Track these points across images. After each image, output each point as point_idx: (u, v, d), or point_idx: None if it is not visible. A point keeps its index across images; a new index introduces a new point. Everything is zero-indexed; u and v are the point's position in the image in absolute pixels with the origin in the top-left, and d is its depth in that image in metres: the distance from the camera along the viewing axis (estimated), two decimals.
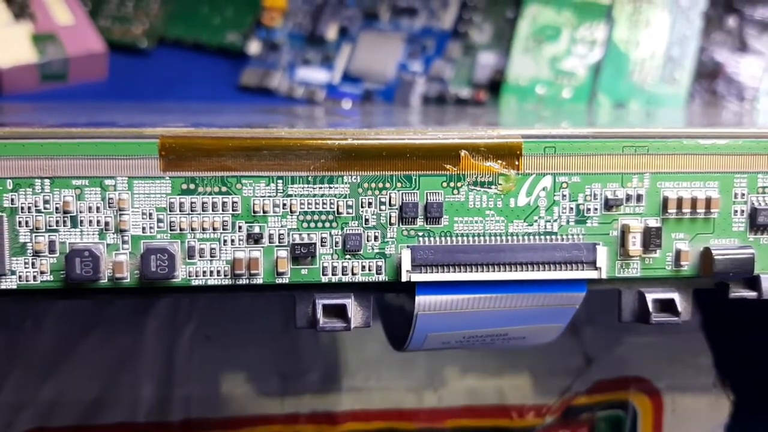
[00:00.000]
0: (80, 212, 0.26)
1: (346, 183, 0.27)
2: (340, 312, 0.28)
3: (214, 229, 0.27)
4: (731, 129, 0.29)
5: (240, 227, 0.27)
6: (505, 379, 0.43)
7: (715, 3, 0.53)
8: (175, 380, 0.42)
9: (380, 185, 0.27)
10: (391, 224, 0.27)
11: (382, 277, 0.27)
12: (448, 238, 0.27)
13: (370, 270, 0.27)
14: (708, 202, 0.28)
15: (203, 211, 0.27)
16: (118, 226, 0.26)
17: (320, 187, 0.27)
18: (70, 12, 0.51)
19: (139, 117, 0.37)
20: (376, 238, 0.27)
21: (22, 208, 0.26)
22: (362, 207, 0.27)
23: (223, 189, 0.26)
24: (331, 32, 0.54)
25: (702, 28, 0.52)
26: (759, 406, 0.45)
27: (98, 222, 0.26)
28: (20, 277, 0.26)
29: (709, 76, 0.52)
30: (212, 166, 0.26)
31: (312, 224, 0.27)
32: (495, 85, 0.53)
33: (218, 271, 0.27)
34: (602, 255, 0.27)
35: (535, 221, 0.27)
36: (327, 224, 0.27)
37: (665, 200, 0.28)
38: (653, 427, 0.44)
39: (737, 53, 0.52)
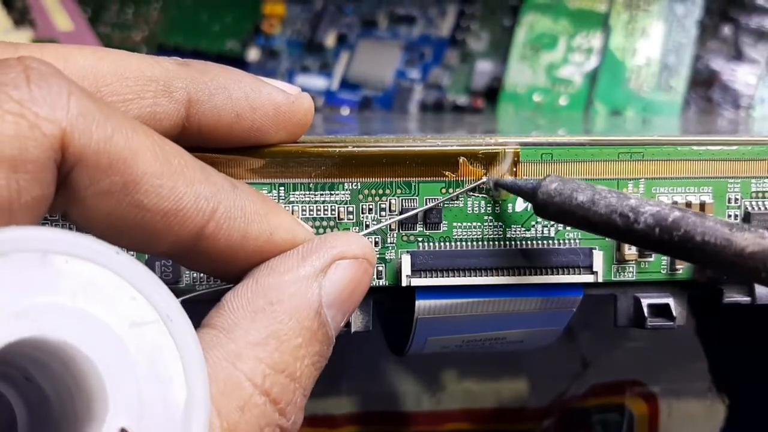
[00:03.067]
0: None
1: (346, 189, 0.27)
2: None
3: None
4: (725, 136, 0.29)
5: None
6: (502, 383, 0.44)
7: (711, 11, 0.53)
8: None
9: (380, 191, 0.27)
10: (391, 230, 0.27)
11: (383, 282, 0.28)
12: (448, 243, 0.28)
13: None
14: (702, 206, 0.28)
15: None
16: None
17: (321, 194, 0.27)
18: (70, 19, 0.52)
19: None
20: (376, 243, 0.27)
21: None
22: (363, 213, 0.27)
23: None
24: (330, 40, 0.54)
25: (697, 36, 0.53)
26: (754, 410, 0.45)
27: None
28: None
29: (704, 84, 0.53)
30: None
31: (314, 230, 0.27)
32: (492, 93, 0.53)
33: None
34: (598, 259, 0.28)
35: (533, 226, 0.28)
36: (328, 230, 0.27)
37: None
38: (649, 430, 0.44)
39: (732, 61, 0.53)
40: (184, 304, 0.20)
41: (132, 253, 0.27)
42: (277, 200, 0.27)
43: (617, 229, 0.24)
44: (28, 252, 0.18)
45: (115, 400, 0.19)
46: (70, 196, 0.20)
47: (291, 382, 0.22)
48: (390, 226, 0.27)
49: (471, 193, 0.27)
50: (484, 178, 0.27)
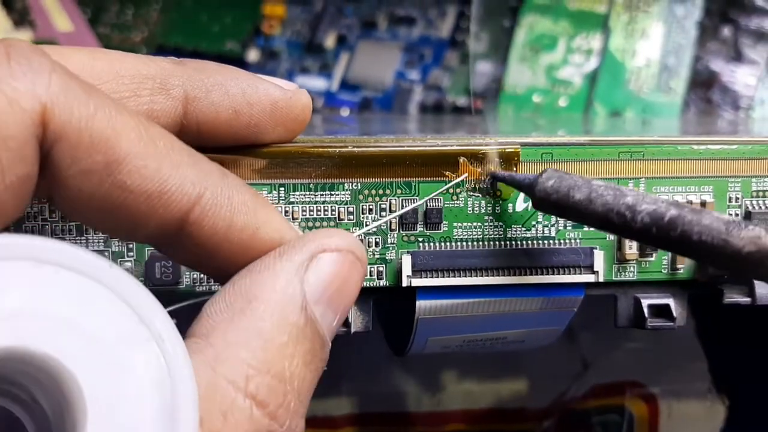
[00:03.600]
0: None
1: (347, 190, 0.27)
2: None
3: None
4: (725, 136, 0.29)
5: None
6: (502, 384, 0.44)
7: (710, 13, 0.53)
8: None
9: (380, 192, 0.27)
10: (391, 230, 0.27)
11: (383, 282, 0.28)
12: (448, 244, 0.28)
13: (370, 275, 0.28)
14: (703, 205, 0.28)
15: None
16: None
17: (321, 194, 0.27)
18: (69, 19, 0.52)
19: None
20: (376, 243, 0.27)
21: (28, 217, 0.26)
22: (363, 213, 0.27)
23: None
24: (330, 41, 0.54)
25: (697, 37, 0.53)
26: (754, 411, 0.45)
27: None
28: None
29: (704, 85, 0.53)
30: None
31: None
32: (492, 94, 0.53)
33: None
34: (599, 259, 0.28)
35: (533, 226, 0.28)
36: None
37: None
38: (649, 431, 0.44)
39: (732, 62, 0.53)
40: (180, 311, 0.20)
41: (127, 253, 0.27)
42: (277, 201, 0.27)
43: (615, 226, 0.24)
44: (17, 260, 0.18)
45: (96, 417, 0.18)
46: (53, 176, 0.20)
47: (280, 384, 0.21)
48: (390, 226, 0.27)
49: (471, 193, 0.27)
50: (462, 177, 0.27)
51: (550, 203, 0.25)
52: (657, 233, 0.23)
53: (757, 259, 0.22)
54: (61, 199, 0.21)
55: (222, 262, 0.23)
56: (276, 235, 0.23)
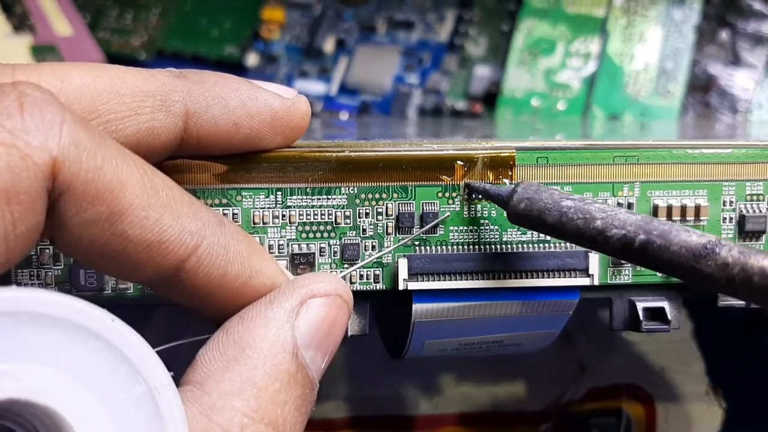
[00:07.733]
0: None
1: (343, 194, 0.27)
2: None
3: None
4: (721, 140, 0.29)
5: None
6: (500, 387, 0.44)
7: (708, 17, 0.53)
8: None
9: (377, 196, 0.27)
10: (388, 234, 0.28)
11: (380, 286, 0.28)
12: (444, 247, 0.28)
13: (367, 279, 0.28)
14: (697, 209, 0.28)
15: None
16: None
17: (318, 198, 0.27)
18: (69, 24, 0.52)
19: None
20: (373, 247, 0.27)
21: None
22: (360, 217, 0.27)
23: (224, 201, 0.27)
24: (329, 45, 0.55)
25: (695, 41, 0.53)
26: (751, 414, 0.45)
27: None
28: None
29: (702, 89, 0.53)
30: (213, 178, 0.27)
31: (311, 234, 0.27)
32: (491, 98, 0.53)
33: None
34: (594, 262, 0.28)
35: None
36: (325, 234, 0.27)
37: (655, 208, 0.28)
38: None
39: (730, 66, 0.53)
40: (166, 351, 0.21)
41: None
42: (274, 205, 0.27)
43: (590, 248, 0.25)
44: (19, 314, 0.19)
45: None
46: (56, 222, 0.20)
47: (274, 431, 0.22)
48: (387, 230, 0.27)
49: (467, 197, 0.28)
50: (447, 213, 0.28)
51: (524, 223, 0.25)
52: (631, 257, 0.23)
53: (727, 285, 0.22)
54: (62, 242, 0.21)
55: (214, 306, 0.23)
56: (268, 281, 0.24)
